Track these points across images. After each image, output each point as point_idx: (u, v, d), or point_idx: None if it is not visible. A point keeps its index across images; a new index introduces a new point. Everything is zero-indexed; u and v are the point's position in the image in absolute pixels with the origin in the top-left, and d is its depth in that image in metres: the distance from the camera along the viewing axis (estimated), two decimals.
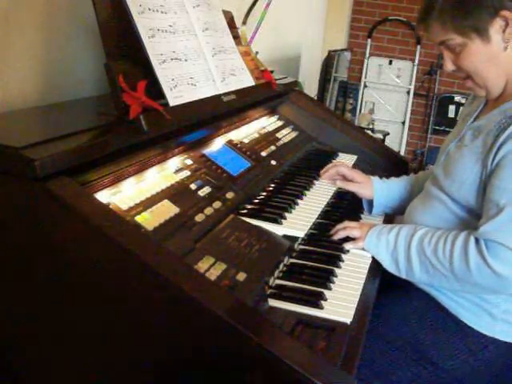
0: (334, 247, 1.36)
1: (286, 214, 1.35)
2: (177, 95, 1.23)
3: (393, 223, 1.52)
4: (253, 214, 1.31)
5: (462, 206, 1.33)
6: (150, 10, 1.25)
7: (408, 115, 5.11)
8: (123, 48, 1.22)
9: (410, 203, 1.51)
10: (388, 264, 1.33)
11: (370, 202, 1.64)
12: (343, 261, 1.31)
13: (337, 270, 1.26)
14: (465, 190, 1.30)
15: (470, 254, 1.20)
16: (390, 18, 5.04)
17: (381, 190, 1.63)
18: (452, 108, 5.05)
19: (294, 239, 1.30)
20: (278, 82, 1.90)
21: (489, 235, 1.18)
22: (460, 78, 1.36)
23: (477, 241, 1.20)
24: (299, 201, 1.48)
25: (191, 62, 1.34)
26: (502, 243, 1.16)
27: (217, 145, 1.50)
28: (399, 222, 1.52)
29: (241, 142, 1.61)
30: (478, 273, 1.19)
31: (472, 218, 1.30)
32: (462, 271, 1.21)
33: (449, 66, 1.32)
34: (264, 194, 1.47)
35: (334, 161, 1.90)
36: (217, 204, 1.24)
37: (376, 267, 1.33)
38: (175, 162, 1.29)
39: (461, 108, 4.94)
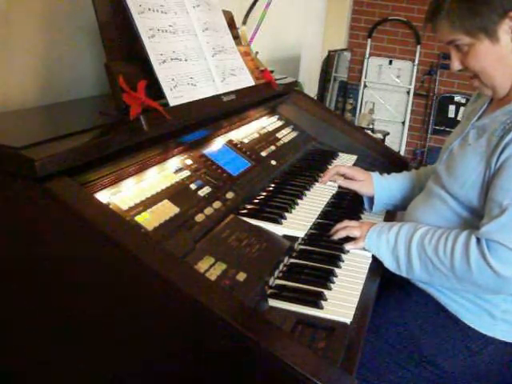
0: (334, 247, 1.36)
1: (286, 214, 1.35)
2: (177, 95, 1.23)
3: (394, 221, 1.52)
4: (253, 214, 1.31)
5: (464, 205, 1.33)
6: (150, 10, 1.25)
7: (408, 115, 5.12)
8: (123, 48, 1.22)
9: (412, 201, 1.51)
10: (388, 262, 1.33)
11: (372, 199, 1.64)
12: (343, 261, 1.31)
13: (337, 270, 1.26)
14: (467, 190, 1.30)
15: (471, 254, 1.19)
16: (390, 18, 5.04)
17: (381, 188, 1.63)
18: (452, 108, 5.05)
19: (294, 239, 1.30)
20: (278, 81, 1.90)
21: (490, 235, 1.18)
22: (467, 76, 1.35)
23: (478, 241, 1.20)
24: (299, 201, 1.47)
25: (191, 62, 1.34)
26: (503, 244, 1.16)
27: (217, 145, 1.50)
28: (400, 220, 1.52)
29: (241, 142, 1.61)
30: (479, 273, 1.19)
31: (474, 218, 1.30)
32: (463, 271, 1.21)
33: (456, 65, 1.32)
34: (264, 193, 1.47)
35: (334, 161, 1.90)
36: (217, 204, 1.24)
37: (376, 267, 1.33)
38: (175, 161, 1.29)
39: (461, 108, 4.95)
